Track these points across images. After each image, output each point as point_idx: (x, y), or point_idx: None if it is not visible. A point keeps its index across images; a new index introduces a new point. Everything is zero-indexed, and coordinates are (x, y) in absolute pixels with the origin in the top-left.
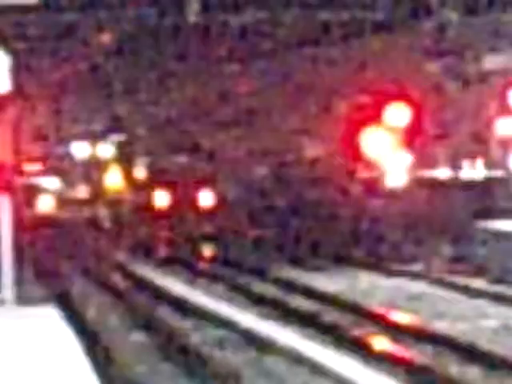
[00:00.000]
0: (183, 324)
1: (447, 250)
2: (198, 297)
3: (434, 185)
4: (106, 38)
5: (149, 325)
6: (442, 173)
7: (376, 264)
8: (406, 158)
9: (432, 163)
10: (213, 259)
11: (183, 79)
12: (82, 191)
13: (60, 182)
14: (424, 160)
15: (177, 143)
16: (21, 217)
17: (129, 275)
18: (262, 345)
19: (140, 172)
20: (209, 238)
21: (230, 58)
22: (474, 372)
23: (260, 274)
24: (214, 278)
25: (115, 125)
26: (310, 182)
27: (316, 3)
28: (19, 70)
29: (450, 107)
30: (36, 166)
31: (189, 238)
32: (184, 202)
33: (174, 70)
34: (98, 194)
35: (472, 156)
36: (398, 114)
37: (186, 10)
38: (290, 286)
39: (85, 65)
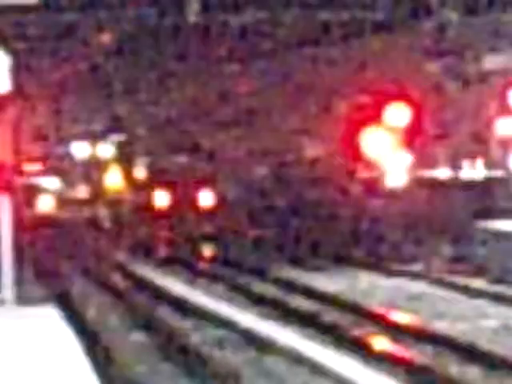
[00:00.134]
0: (183, 324)
1: (447, 250)
2: (198, 297)
3: (434, 185)
4: (105, 37)
5: (148, 325)
6: (442, 173)
7: (376, 264)
8: (406, 158)
9: (432, 163)
10: (212, 259)
11: (183, 79)
12: (81, 191)
13: (60, 182)
14: (424, 160)
15: (177, 143)
16: (21, 217)
17: (129, 275)
18: (262, 345)
19: (140, 172)
20: (208, 238)
21: (230, 58)
22: (473, 372)
23: (260, 273)
24: (214, 277)
25: (115, 125)
26: (309, 182)
27: (316, 3)
28: (19, 70)
29: (450, 107)
30: (36, 166)
31: (189, 237)
32: (184, 201)
33: (174, 70)
34: (97, 194)
35: (472, 156)
36: (398, 114)
37: (186, 9)
38: (290, 286)
39: (85, 65)
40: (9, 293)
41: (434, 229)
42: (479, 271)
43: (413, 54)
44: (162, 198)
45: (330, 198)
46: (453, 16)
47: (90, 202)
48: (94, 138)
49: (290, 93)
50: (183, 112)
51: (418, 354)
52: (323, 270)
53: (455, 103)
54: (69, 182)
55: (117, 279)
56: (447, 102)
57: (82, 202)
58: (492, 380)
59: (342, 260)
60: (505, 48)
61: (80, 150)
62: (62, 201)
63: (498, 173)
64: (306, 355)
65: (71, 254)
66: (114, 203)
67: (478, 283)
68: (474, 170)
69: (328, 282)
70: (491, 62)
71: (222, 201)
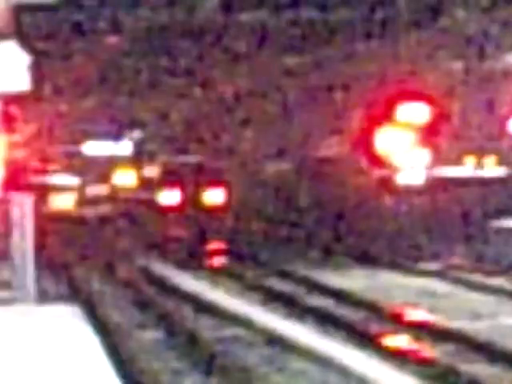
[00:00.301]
0: (200, 322)
1: (466, 248)
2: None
3: (453, 183)
4: (123, 36)
5: (163, 320)
6: (461, 171)
7: (395, 262)
8: (424, 156)
9: (450, 161)
10: (222, 253)
11: (204, 77)
12: (100, 189)
13: (79, 180)
14: (442, 158)
15: (196, 141)
16: (42, 215)
17: (145, 272)
18: (280, 343)
19: (155, 170)
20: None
21: (252, 56)
22: (492, 370)
23: (278, 271)
24: (234, 276)
25: (133, 123)
26: (331, 179)
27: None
28: (39, 69)
29: (471, 104)
30: (55, 165)
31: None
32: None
33: (194, 68)
34: (114, 191)
35: (491, 153)
36: (417, 112)
37: (202, 7)
38: (312, 285)
39: (103, 64)
40: (30, 291)
41: (454, 227)
42: (498, 269)
43: (433, 52)
44: (173, 196)
45: (348, 196)
46: (471, 12)
47: (108, 199)
48: (113, 136)
49: (312, 90)
50: (203, 110)
51: (438, 353)
52: (344, 268)
53: (477, 100)
54: (88, 180)
55: (137, 279)
56: (468, 99)
57: (100, 200)
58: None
59: (363, 258)
60: None
61: (98, 148)
62: (82, 199)
63: None
64: (325, 353)
65: (90, 251)
66: (129, 201)
67: (497, 281)
68: (490, 168)
69: (349, 280)
70: None
71: (242, 199)
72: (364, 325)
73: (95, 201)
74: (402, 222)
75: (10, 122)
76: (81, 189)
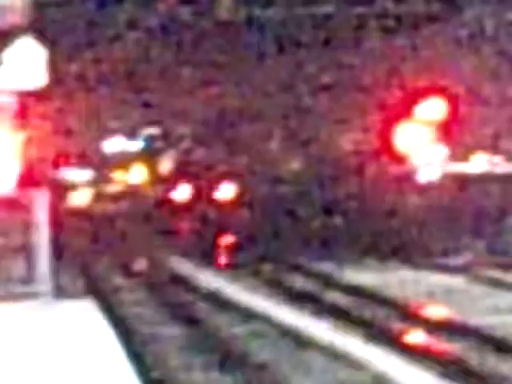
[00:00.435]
0: (219, 318)
1: (484, 243)
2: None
3: (471, 178)
4: (140, 31)
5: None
6: (478, 166)
7: (413, 258)
8: (441, 152)
9: (468, 156)
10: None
11: (220, 74)
12: (116, 185)
13: (95, 176)
14: (460, 153)
15: (213, 137)
16: (57, 211)
17: (162, 269)
18: (299, 339)
19: (167, 165)
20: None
21: (265, 52)
22: (508, 366)
23: (298, 268)
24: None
25: (149, 119)
26: (348, 176)
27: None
28: (56, 64)
29: (490, 101)
30: (72, 161)
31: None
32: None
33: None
34: (130, 187)
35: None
36: (434, 107)
37: (218, 5)
38: (328, 280)
39: (119, 59)
40: (46, 286)
41: (472, 222)
42: None
43: (453, 47)
44: (185, 192)
45: (365, 192)
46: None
47: (125, 195)
48: (129, 132)
49: (331, 86)
50: (218, 106)
51: (452, 348)
52: (360, 264)
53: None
54: (103, 176)
55: (154, 275)
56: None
57: (116, 196)
58: None
59: (380, 254)
60: None
61: (114, 144)
62: (97, 195)
63: None
64: (344, 350)
65: (106, 246)
66: (139, 197)
67: None
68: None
69: (366, 276)
70: None
71: (260, 196)
72: (380, 321)
73: (112, 197)
74: (419, 218)
75: (26, 117)
76: (97, 185)
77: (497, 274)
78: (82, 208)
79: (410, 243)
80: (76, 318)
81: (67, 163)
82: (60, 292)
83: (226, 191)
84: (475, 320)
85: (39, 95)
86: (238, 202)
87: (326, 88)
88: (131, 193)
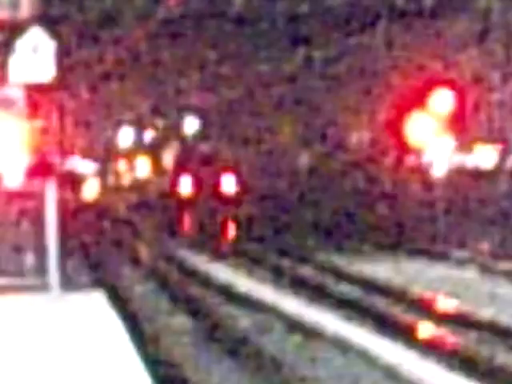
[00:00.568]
0: (226, 308)
1: (494, 235)
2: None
3: (480, 171)
4: (149, 24)
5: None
6: (488, 160)
7: (423, 250)
8: (449, 144)
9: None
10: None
11: (231, 67)
12: (124, 178)
13: (103, 168)
14: (469, 146)
15: (222, 130)
16: (66, 203)
17: (170, 259)
18: (307, 331)
19: (171, 158)
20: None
21: (275, 45)
22: None
23: (304, 259)
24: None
25: (157, 111)
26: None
27: None
28: (65, 56)
29: (495, 94)
30: (80, 153)
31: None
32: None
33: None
34: (137, 180)
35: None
36: (443, 100)
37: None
38: (337, 273)
39: (128, 51)
40: (54, 278)
41: (481, 215)
42: None
43: (458, 40)
44: (189, 184)
45: (376, 184)
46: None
47: (132, 188)
48: (138, 124)
49: (340, 79)
50: (228, 98)
51: (463, 340)
52: (370, 257)
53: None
54: (112, 169)
55: (162, 266)
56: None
57: (124, 188)
58: None
59: (387, 246)
60: None
61: (124, 136)
62: (106, 187)
63: None
64: (353, 341)
65: (114, 238)
66: (148, 190)
67: None
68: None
69: (375, 268)
70: None
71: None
72: (390, 312)
73: (118, 189)
74: (429, 210)
75: (35, 108)
76: (104, 177)
77: (509, 265)
78: (91, 200)
79: (421, 234)
80: (84, 310)
81: (76, 154)
82: (68, 283)
83: (229, 183)
84: (487, 312)
85: (48, 87)
86: (244, 193)
87: (335, 79)
88: (137, 185)
